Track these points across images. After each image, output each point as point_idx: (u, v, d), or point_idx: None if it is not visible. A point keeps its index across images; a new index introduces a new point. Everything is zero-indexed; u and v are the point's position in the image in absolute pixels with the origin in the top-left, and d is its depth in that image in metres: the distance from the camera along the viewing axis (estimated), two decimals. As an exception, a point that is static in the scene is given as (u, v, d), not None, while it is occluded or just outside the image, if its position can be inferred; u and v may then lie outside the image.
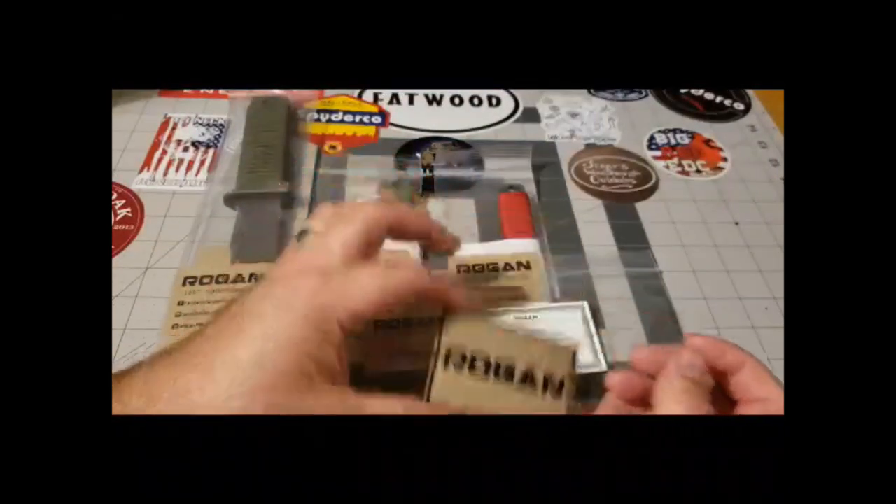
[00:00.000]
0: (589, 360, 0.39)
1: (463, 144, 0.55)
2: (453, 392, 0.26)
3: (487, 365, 0.27)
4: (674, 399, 0.28)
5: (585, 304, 0.42)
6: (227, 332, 0.29)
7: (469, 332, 0.27)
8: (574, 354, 0.28)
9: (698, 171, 0.54)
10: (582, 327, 0.41)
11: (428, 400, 0.28)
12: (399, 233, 0.34)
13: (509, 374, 0.27)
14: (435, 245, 0.37)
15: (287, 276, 0.30)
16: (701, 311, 0.43)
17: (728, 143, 0.57)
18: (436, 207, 0.49)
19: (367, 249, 0.32)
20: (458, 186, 0.51)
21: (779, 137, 0.58)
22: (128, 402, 0.27)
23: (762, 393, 0.30)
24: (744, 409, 0.30)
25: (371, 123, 0.56)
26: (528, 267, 0.44)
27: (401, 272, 0.30)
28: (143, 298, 0.41)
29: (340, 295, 0.29)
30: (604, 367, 0.39)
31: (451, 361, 0.28)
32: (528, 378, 0.27)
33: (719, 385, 0.31)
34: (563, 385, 0.28)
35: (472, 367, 0.27)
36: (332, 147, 0.54)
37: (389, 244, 0.33)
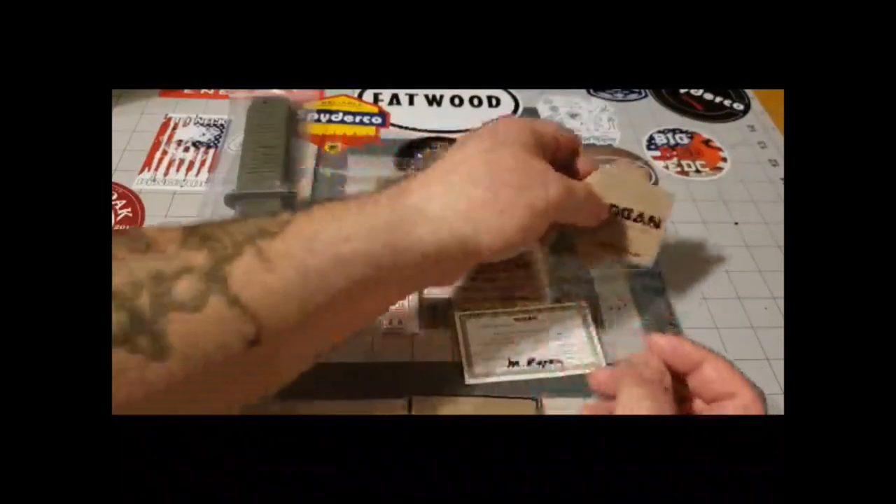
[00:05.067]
0: (588, 359, 0.39)
1: (463, 144, 0.55)
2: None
3: (624, 211, 0.40)
4: (635, 407, 0.29)
5: (584, 304, 0.42)
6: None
7: (623, 191, 0.40)
8: (672, 200, 0.40)
9: (698, 172, 0.54)
10: (582, 327, 0.41)
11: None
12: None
13: (633, 216, 0.40)
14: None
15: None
16: (700, 311, 0.43)
17: (727, 143, 0.57)
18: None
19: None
20: (458, 186, 0.51)
21: (778, 137, 0.58)
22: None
23: (727, 388, 0.30)
24: (716, 408, 0.30)
25: (371, 124, 0.56)
26: (527, 267, 0.44)
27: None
28: (143, 298, 0.41)
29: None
30: (603, 366, 0.39)
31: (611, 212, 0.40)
32: (642, 217, 0.40)
33: (685, 385, 0.32)
34: (661, 222, 0.40)
35: (619, 214, 0.40)
36: (332, 147, 0.54)
37: None
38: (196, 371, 0.26)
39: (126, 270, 0.25)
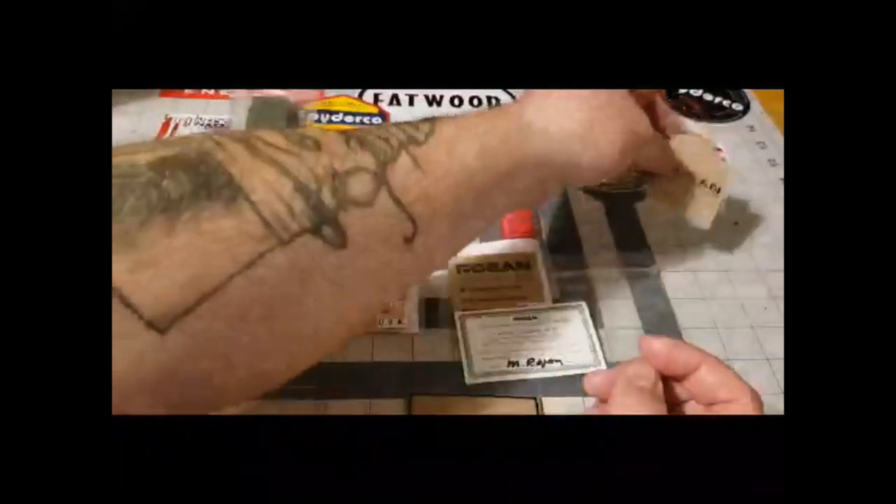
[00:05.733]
0: (588, 359, 0.39)
1: (463, 145, 0.55)
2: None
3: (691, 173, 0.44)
4: (627, 412, 0.29)
5: (584, 304, 0.42)
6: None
7: (692, 157, 0.44)
8: (731, 173, 0.45)
9: (698, 172, 0.54)
10: (582, 327, 0.41)
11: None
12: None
13: (698, 179, 0.44)
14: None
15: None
16: (700, 311, 0.43)
17: (727, 143, 0.57)
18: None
19: None
20: (457, 186, 0.51)
21: (777, 138, 0.58)
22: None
23: (725, 392, 0.30)
24: (713, 412, 0.30)
25: (371, 124, 0.56)
26: (528, 267, 0.44)
27: None
28: (143, 298, 0.41)
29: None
30: (603, 366, 0.39)
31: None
32: (704, 182, 0.43)
33: (681, 388, 0.32)
34: (720, 189, 0.43)
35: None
36: (332, 147, 0.54)
37: None
38: (365, 261, 0.28)
39: (306, 166, 0.27)
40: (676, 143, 0.43)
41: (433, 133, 0.32)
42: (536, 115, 0.35)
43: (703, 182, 0.44)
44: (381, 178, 0.29)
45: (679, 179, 0.44)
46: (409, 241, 0.30)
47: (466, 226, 0.34)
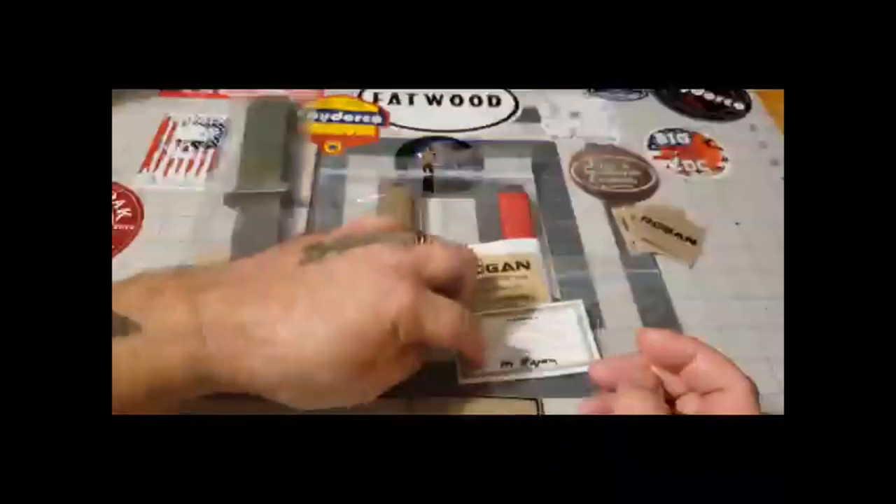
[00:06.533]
0: (584, 358, 0.39)
1: (463, 144, 0.55)
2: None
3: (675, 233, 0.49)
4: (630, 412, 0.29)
5: (580, 303, 0.42)
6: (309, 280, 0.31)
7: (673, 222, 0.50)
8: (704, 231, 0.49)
9: (698, 171, 0.54)
10: (576, 326, 0.41)
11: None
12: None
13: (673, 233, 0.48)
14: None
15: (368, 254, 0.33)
16: (700, 311, 0.43)
17: (728, 143, 0.57)
18: (436, 208, 0.49)
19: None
20: (458, 186, 0.51)
21: (779, 137, 0.58)
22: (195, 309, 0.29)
23: (720, 381, 0.30)
24: (710, 400, 0.30)
25: (371, 123, 0.56)
26: (528, 267, 0.44)
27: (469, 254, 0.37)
28: (143, 298, 0.41)
29: (422, 259, 0.33)
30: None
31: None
32: (681, 236, 0.48)
33: (679, 378, 0.32)
34: (696, 241, 0.47)
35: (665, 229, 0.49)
36: (333, 147, 0.54)
37: None
38: None
39: None
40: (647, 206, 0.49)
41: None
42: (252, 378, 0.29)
43: (679, 235, 0.48)
44: None
45: (660, 234, 0.48)
46: None
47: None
